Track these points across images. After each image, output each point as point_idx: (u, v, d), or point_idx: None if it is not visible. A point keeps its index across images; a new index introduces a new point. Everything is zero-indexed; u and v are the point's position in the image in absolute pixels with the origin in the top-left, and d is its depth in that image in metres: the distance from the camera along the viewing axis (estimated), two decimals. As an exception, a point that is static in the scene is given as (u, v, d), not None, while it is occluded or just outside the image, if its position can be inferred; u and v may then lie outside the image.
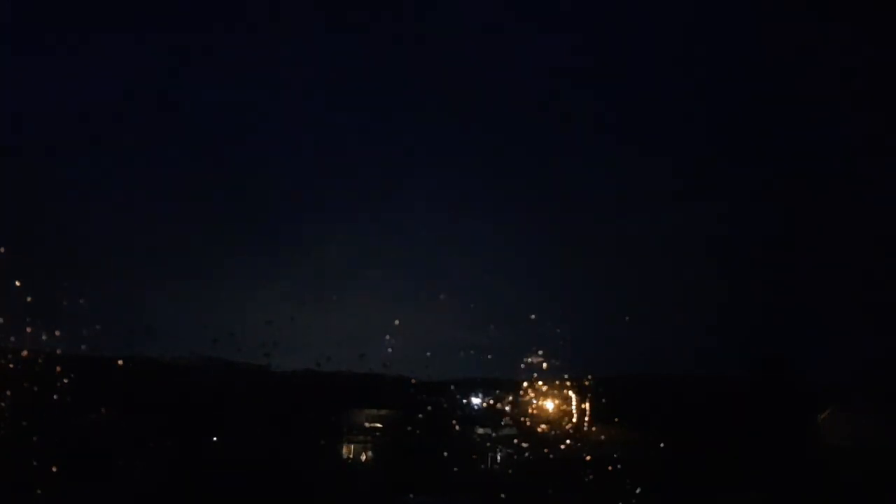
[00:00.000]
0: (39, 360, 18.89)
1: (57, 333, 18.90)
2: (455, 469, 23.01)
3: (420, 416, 24.49)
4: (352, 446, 25.31)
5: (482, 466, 24.17)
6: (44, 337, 18.78)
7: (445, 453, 23.38)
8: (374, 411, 25.58)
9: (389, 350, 25.19)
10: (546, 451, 22.93)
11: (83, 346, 20.74)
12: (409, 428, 24.37)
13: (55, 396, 18.50)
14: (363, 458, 25.33)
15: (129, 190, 31.18)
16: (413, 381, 25.32)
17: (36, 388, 18.22)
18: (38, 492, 17.21)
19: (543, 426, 22.84)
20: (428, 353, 24.78)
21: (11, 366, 18.43)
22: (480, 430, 24.60)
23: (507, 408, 24.06)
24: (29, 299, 18.14)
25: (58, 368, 19.21)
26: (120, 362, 21.47)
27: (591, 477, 23.02)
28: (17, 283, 17.98)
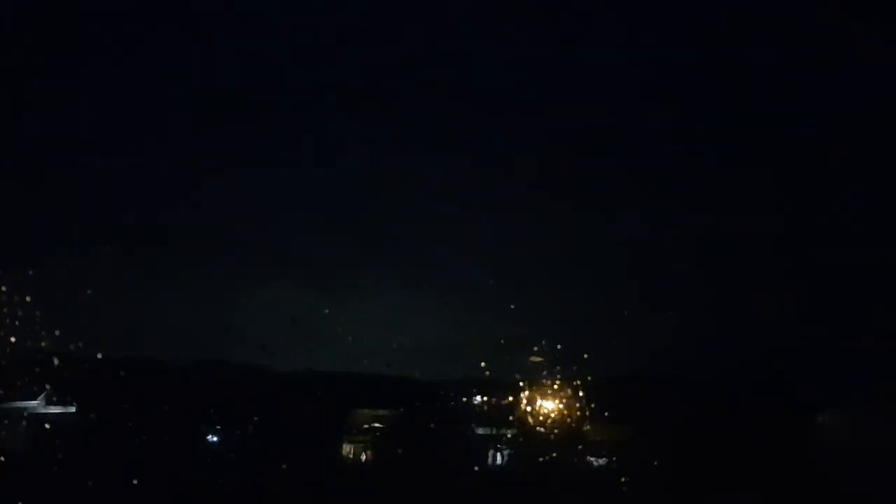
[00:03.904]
0: (38, 361, 18.92)
1: (57, 333, 18.93)
2: (455, 469, 23.04)
3: (420, 416, 24.52)
4: (351, 446, 25.35)
5: (482, 467, 24.21)
6: (43, 335, 18.81)
7: (445, 453, 23.41)
8: (374, 411, 25.60)
9: (389, 350, 25.26)
10: (546, 451, 22.95)
11: (82, 346, 20.80)
12: (409, 428, 24.40)
13: (54, 398, 18.57)
14: (363, 458, 25.37)
15: (128, 188, 31.14)
16: (413, 380, 25.36)
17: (35, 389, 18.27)
18: (39, 492, 17.24)
19: (543, 426, 22.85)
20: (428, 353, 24.85)
21: (10, 366, 18.44)
22: (480, 431, 24.61)
23: (507, 408, 24.05)
24: (28, 298, 18.17)
25: (58, 369, 19.24)
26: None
27: (590, 477, 23.06)
28: (16, 283, 18.01)
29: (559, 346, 22.63)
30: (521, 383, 22.96)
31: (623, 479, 21.66)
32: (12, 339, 18.21)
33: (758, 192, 31.09)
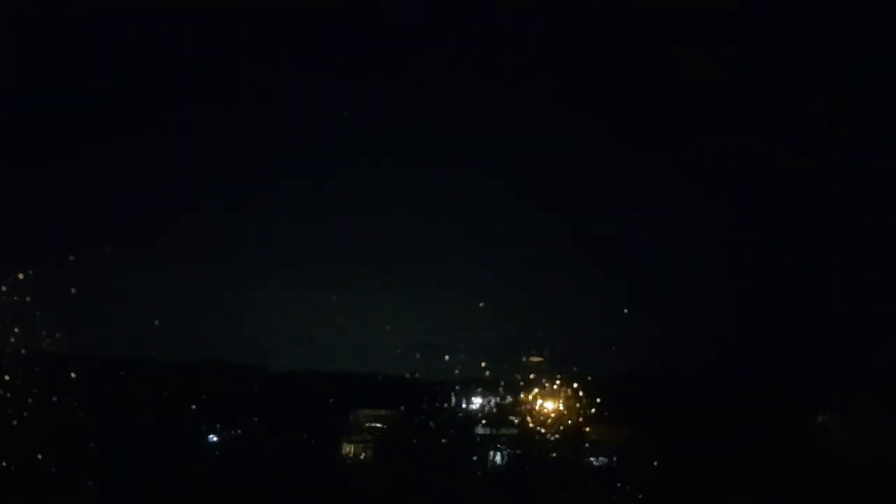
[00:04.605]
0: (39, 360, 18.91)
1: (57, 335, 18.93)
2: (455, 469, 23.05)
3: (420, 415, 24.53)
4: (351, 446, 25.35)
5: (482, 467, 24.21)
6: (43, 335, 18.81)
7: (445, 453, 23.42)
8: (374, 411, 25.60)
9: (389, 350, 25.25)
10: (546, 451, 22.96)
11: (82, 346, 20.80)
12: (409, 428, 24.41)
13: (54, 398, 18.52)
14: (363, 457, 25.38)
15: (128, 187, 31.12)
16: (412, 381, 25.35)
17: (35, 390, 18.22)
18: (38, 493, 17.24)
19: (543, 426, 22.85)
20: (428, 353, 24.80)
21: (10, 366, 18.42)
22: (480, 431, 24.63)
23: (507, 408, 24.08)
24: (28, 299, 18.16)
25: (57, 369, 19.23)
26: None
27: (590, 477, 23.07)
28: (16, 283, 18.01)
29: (559, 346, 22.65)
30: (521, 383, 22.96)
31: (623, 480, 21.67)
32: (12, 339, 18.22)
33: (757, 190, 31.06)
